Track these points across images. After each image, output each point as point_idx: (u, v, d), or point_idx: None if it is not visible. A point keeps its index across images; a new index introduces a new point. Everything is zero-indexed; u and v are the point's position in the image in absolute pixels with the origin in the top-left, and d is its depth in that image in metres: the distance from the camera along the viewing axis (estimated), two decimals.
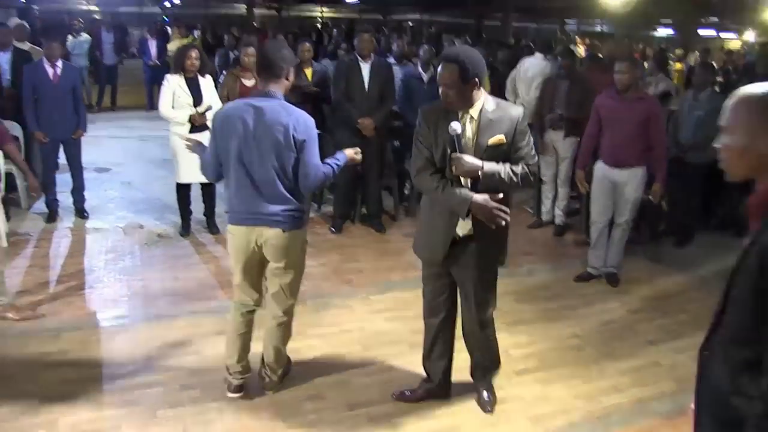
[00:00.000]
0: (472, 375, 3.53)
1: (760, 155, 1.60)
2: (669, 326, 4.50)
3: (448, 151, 2.92)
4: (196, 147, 3.44)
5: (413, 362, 3.74)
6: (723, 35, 24.37)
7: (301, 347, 3.88)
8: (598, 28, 26.81)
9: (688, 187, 5.86)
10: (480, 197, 2.90)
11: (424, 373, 3.52)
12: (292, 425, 3.22)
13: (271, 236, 3.11)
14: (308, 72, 6.28)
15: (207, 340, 3.95)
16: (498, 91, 7.03)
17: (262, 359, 3.45)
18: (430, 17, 25.23)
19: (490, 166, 2.91)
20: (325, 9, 24.53)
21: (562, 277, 5.26)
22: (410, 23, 24.24)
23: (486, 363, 3.47)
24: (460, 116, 2.94)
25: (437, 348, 3.41)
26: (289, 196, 3.10)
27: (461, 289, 3.27)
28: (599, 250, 5.17)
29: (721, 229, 6.52)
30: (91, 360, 3.71)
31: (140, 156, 8.49)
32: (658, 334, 4.40)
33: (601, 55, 7.69)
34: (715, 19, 22.11)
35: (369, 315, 4.43)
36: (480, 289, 3.20)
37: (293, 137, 3.00)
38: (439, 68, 2.92)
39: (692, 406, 1.84)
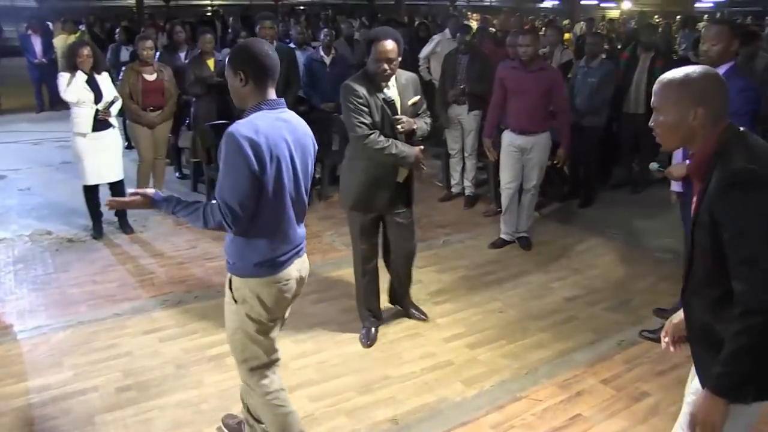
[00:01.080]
0: (396, 301, 4.28)
1: (689, 127, 1.88)
2: (581, 282, 4.81)
3: (389, 114, 3.58)
4: None
5: (345, 340, 3.87)
6: (603, 5, 25.52)
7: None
8: (487, 2, 27.46)
9: (585, 150, 6.20)
10: (416, 149, 3.64)
11: (357, 339, 3.95)
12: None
13: (307, 264, 2.75)
14: (210, 63, 6.20)
15: (136, 340, 3.91)
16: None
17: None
18: (322, 0, 25.13)
19: (418, 123, 3.71)
20: None
21: (478, 245, 5.48)
22: (302, 7, 24.03)
23: (408, 285, 4.22)
24: (384, 85, 3.57)
25: (375, 287, 4.04)
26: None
27: (395, 228, 3.92)
28: (511, 216, 5.42)
29: (618, 188, 6.99)
30: (16, 373, 3.58)
31: (36, 160, 8.09)
32: (572, 290, 4.69)
33: (493, 29, 7.92)
34: None
35: (297, 300, 4.46)
36: (411, 222, 3.97)
37: (314, 146, 2.65)
38: (387, 45, 3.45)
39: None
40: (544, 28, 9.10)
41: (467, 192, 6.59)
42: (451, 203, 6.64)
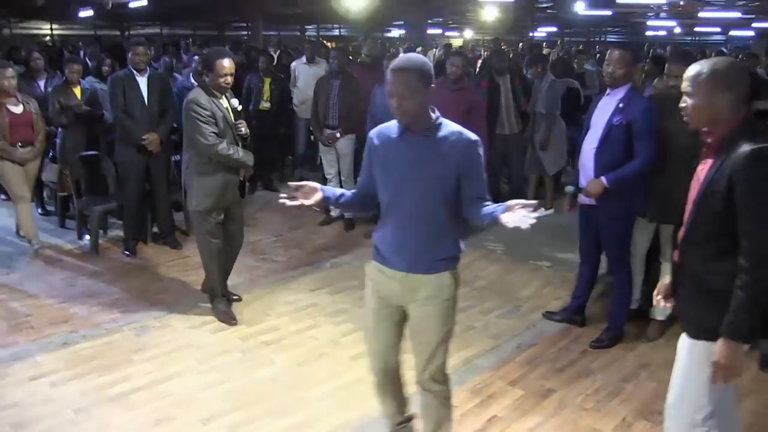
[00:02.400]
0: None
1: (714, 110, 2.22)
2: (471, 293, 4.99)
3: (232, 120, 4.24)
4: None
5: (249, 366, 3.79)
6: (447, 33, 26.85)
7: (134, 373, 3.71)
8: (336, 32, 28.00)
9: None
10: (249, 153, 4.36)
11: (262, 364, 3.94)
12: None
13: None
14: (77, 91, 5.87)
15: (21, 389, 3.56)
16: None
17: None
18: (170, 30, 24.42)
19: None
20: (56, 26, 22.55)
21: (364, 265, 5.54)
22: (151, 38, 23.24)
23: (230, 272, 4.70)
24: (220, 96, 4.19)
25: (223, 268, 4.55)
26: None
27: (234, 221, 4.51)
28: None
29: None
30: None
31: None
32: (464, 301, 4.83)
33: (365, 56, 8.19)
34: (440, 19, 24.31)
35: (191, 330, 4.31)
36: (242, 215, 4.72)
37: None
38: (226, 62, 4.11)
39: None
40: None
41: (347, 215, 6.66)
42: (331, 227, 6.67)
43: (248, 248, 5.87)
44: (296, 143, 8.19)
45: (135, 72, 5.35)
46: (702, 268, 2.29)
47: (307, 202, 2.61)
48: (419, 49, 13.45)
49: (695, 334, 2.35)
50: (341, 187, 6.56)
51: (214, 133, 4.10)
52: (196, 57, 6.62)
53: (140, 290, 4.93)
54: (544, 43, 16.73)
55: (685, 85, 2.27)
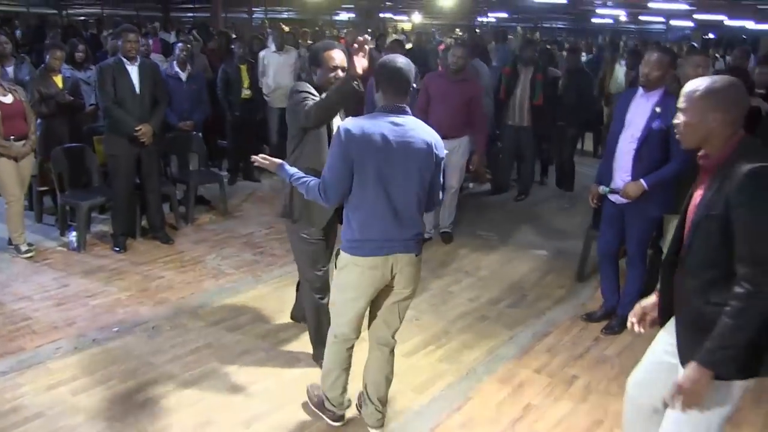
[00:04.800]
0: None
1: (707, 129, 2.13)
2: (476, 283, 5.06)
3: None
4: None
5: (277, 366, 3.71)
6: (396, 17, 26.80)
7: (158, 377, 3.59)
8: (285, 15, 27.56)
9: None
10: None
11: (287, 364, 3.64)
12: None
13: (406, 262, 2.86)
14: (58, 80, 5.59)
15: (41, 398, 3.37)
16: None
17: (365, 395, 3.18)
18: (112, 10, 23.50)
19: None
20: None
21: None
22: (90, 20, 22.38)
23: None
24: None
25: None
26: (419, 218, 2.89)
27: None
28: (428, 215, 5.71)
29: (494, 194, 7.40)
30: None
31: None
32: (471, 292, 4.91)
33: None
34: (390, 3, 24.23)
35: (207, 330, 4.18)
36: None
37: (435, 155, 2.81)
38: None
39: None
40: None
41: None
42: None
43: (242, 241, 5.78)
44: (270, 132, 8.03)
45: (126, 60, 5.11)
46: (701, 299, 2.15)
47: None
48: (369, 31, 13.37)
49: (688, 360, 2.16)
50: None
51: None
52: (180, 44, 6.37)
53: (140, 289, 4.75)
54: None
55: (680, 101, 2.20)
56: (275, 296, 4.68)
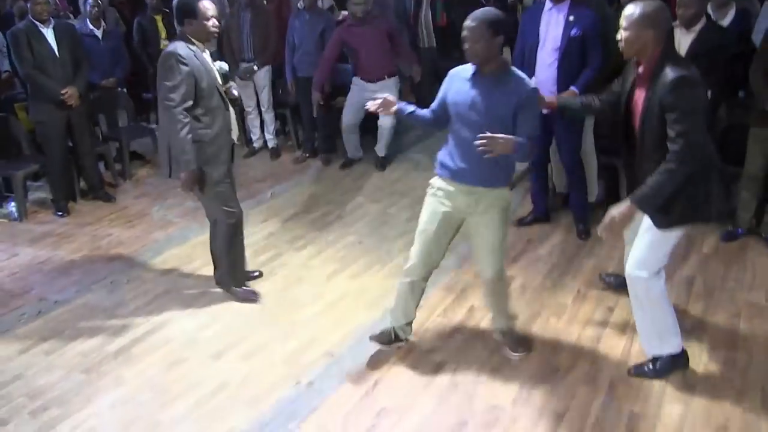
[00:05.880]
0: None
1: (642, 42, 2.74)
2: (412, 204, 5.27)
3: (220, 82, 3.71)
4: None
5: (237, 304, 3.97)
6: None
7: (125, 327, 3.80)
8: None
9: None
10: None
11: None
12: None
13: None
14: None
15: (16, 362, 3.53)
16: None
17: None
18: None
19: None
20: None
21: (303, 191, 5.82)
22: None
23: None
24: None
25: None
26: None
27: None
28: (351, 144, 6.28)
29: None
30: None
31: None
32: (407, 212, 5.19)
33: None
34: None
35: (163, 278, 4.38)
36: None
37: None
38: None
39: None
40: None
41: (270, 144, 6.75)
42: (256, 157, 6.76)
43: None
44: None
45: (38, 23, 5.05)
46: (652, 172, 2.79)
47: (386, 111, 3.19)
48: None
49: (658, 225, 2.91)
50: (261, 118, 6.64)
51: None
52: (90, 0, 6.24)
53: (91, 249, 4.88)
54: None
55: (621, 22, 2.76)
56: None
